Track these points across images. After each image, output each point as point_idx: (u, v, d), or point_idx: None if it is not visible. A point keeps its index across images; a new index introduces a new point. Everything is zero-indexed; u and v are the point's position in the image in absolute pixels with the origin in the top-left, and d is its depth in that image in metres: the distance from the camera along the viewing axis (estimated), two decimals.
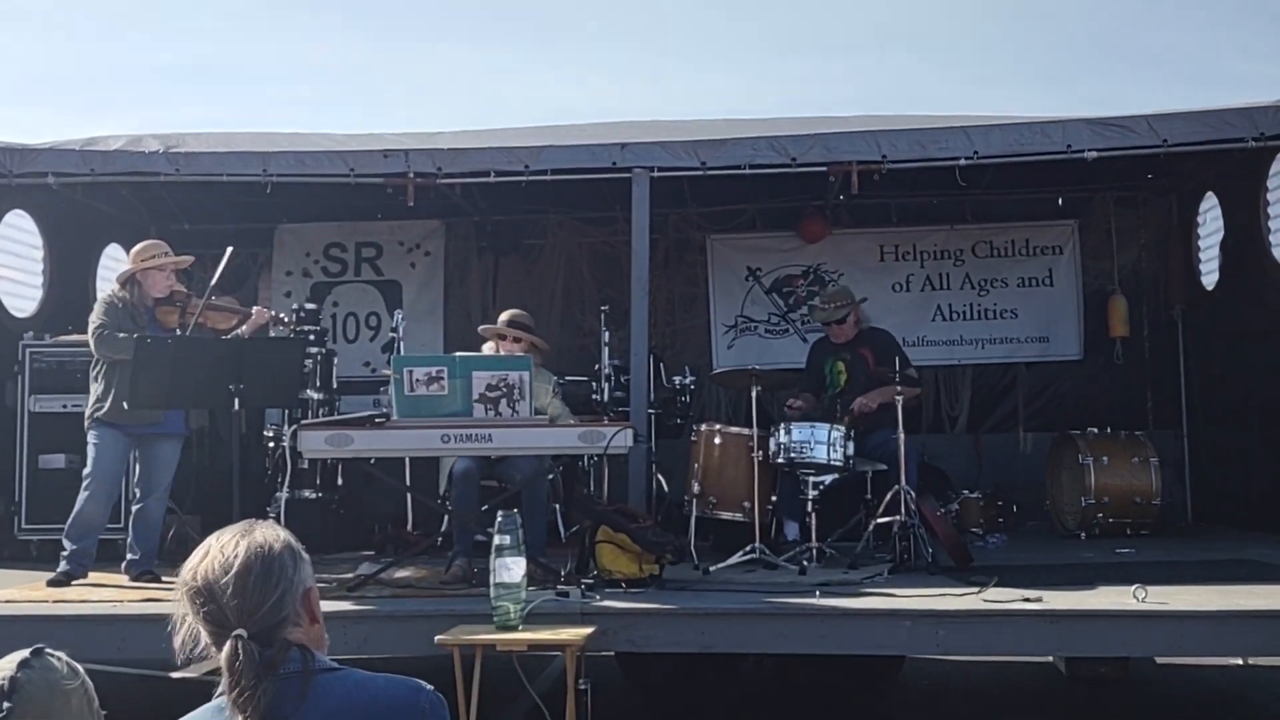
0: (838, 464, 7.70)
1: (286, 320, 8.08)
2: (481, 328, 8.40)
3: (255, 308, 7.78)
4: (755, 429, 7.89)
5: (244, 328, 7.54)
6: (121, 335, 7.22)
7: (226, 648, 2.18)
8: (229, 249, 7.51)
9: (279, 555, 2.27)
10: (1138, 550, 8.39)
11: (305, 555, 2.33)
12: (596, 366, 9.28)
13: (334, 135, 8.72)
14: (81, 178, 8.43)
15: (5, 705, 2.03)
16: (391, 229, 11.50)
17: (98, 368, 7.42)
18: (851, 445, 7.79)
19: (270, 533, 2.30)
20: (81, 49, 30.51)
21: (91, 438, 7.40)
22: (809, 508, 7.63)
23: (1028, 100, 35.86)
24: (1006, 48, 30.60)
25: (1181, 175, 10.44)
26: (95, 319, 7.40)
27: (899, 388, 7.76)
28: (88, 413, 7.43)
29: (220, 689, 2.20)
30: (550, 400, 7.80)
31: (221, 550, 2.25)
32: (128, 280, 7.54)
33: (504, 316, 8.13)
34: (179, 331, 7.43)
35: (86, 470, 7.40)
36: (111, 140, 8.47)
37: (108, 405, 7.29)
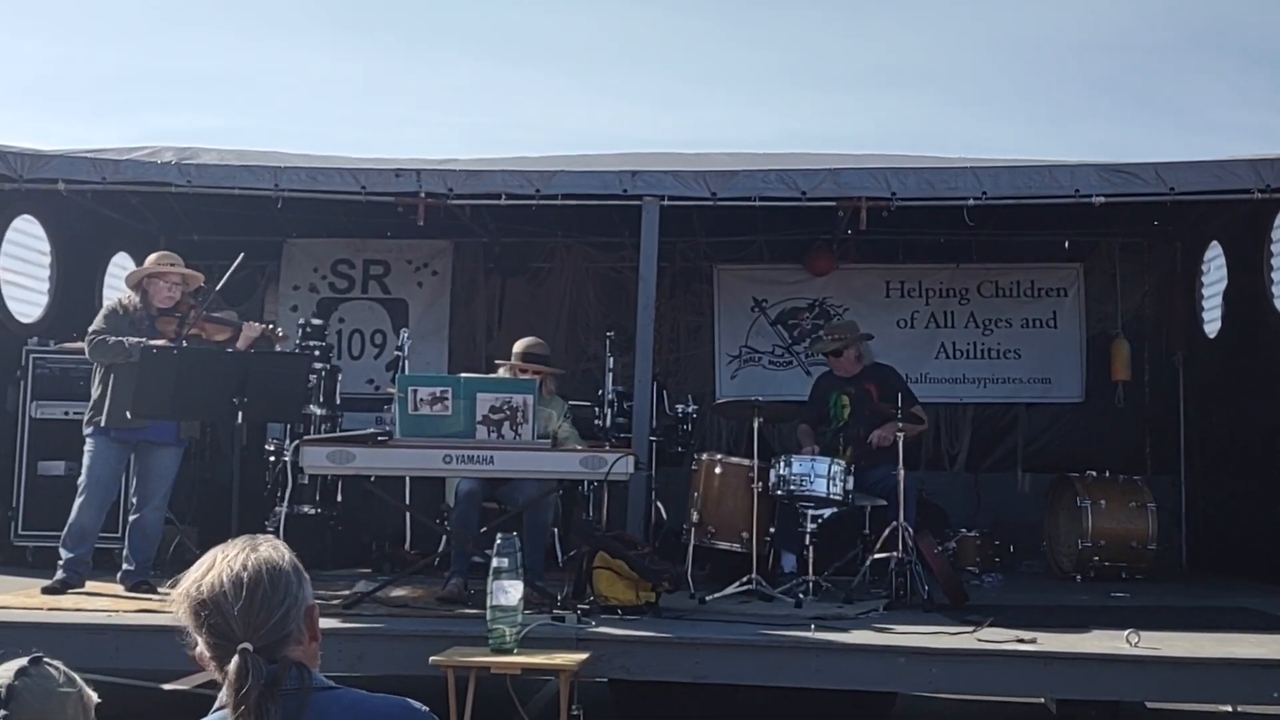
0: (837, 498, 7.72)
1: (281, 333, 8.06)
2: (497, 362, 8.43)
3: (248, 322, 7.79)
4: (756, 460, 7.90)
5: (239, 342, 7.56)
6: (113, 340, 7.25)
7: (235, 661, 2.18)
8: (240, 255, 7.55)
9: (286, 572, 2.28)
10: (1132, 595, 8.40)
11: (306, 573, 2.35)
12: (600, 392, 9.28)
13: (346, 158, 8.74)
14: (92, 185, 8.45)
15: (2, 712, 2.05)
16: (400, 247, 11.52)
17: (97, 375, 7.45)
18: (851, 480, 7.80)
19: (276, 549, 2.31)
20: (88, 54, 30.59)
21: (87, 445, 7.43)
22: (807, 540, 7.64)
23: (1033, 140, 35.93)
24: (1014, 87, 30.71)
25: (1187, 223, 10.47)
26: (93, 326, 7.44)
27: (900, 424, 7.78)
28: (85, 420, 7.46)
29: (220, 702, 2.21)
30: (561, 424, 7.82)
31: (229, 564, 2.25)
32: (136, 284, 7.58)
33: (519, 348, 8.15)
34: (176, 340, 7.44)
35: (81, 478, 7.42)
36: (125, 150, 8.51)
37: (104, 413, 7.31)
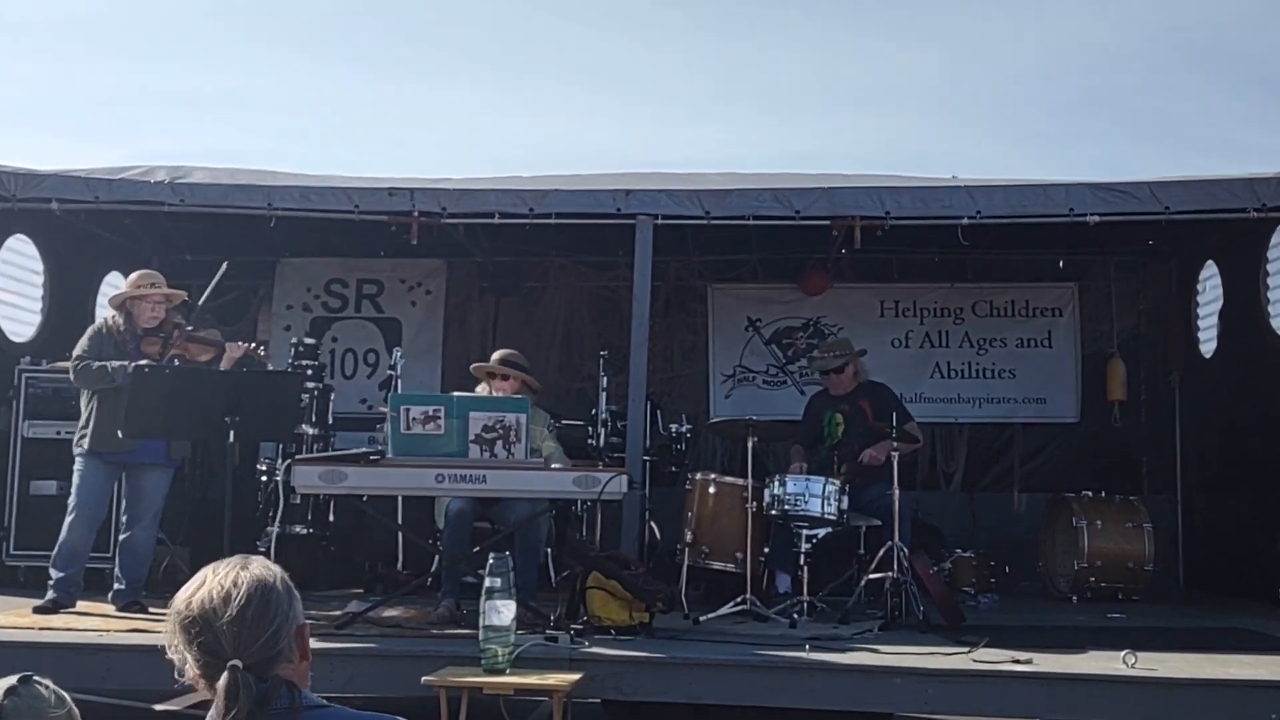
0: (832, 518, 7.69)
1: (264, 353, 8.01)
2: (473, 366, 8.38)
3: (230, 342, 7.74)
4: (750, 479, 7.88)
5: (221, 362, 7.52)
6: (98, 365, 7.23)
7: (225, 678, 2.17)
8: (224, 264, 7.53)
9: (276, 589, 2.28)
10: (1129, 615, 8.38)
11: (296, 592, 2.33)
12: (593, 411, 9.27)
13: (340, 177, 8.72)
14: (85, 204, 8.43)
15: None
16: (394, 266, 11.51)
17: (84, 396, 7.43)
18: (846, 499, 7.78)
19: (267, 568, 2.31)
20: (79, 75, 30.61)
21: (77, 465, 7.43)
22: (801, 560, 7.62)
23: (1029, 160, 35.99)
24: (1010, 108, 30.79)
25: (1182, 242, 10.47)
26: (77, 349, 7.42)
27: (895, 443, 7.76)
28: (74, 440, 7.44)
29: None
30: (545, 440, 7.79)
31: (219, 582, 2.25)
32: (120, 305, 7.55)
33: (496, 355, 8.13)
34: (159, 361, 7.41)
35: (71, 498, 7.41)
36: (118, 170, 8.49)
37: (90, 433, 7.29)
